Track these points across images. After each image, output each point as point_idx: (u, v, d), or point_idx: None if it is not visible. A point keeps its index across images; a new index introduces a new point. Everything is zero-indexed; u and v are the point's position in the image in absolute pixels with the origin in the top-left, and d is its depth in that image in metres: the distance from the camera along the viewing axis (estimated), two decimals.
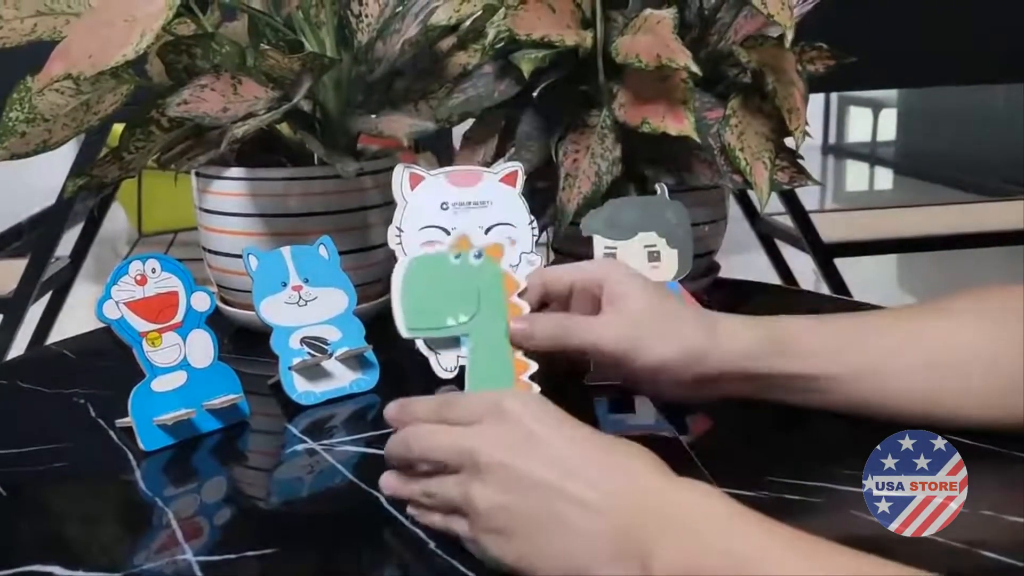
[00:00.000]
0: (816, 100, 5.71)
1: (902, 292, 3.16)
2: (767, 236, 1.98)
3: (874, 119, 6.13)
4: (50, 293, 1.86)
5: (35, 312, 1.88)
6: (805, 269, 2.05)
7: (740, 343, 0.56)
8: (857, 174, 6.12)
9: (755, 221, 1.96)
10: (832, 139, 6.40)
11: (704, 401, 0.60)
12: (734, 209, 1.17)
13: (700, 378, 0.56)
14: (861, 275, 2.04)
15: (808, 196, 1.77)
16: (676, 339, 0.56)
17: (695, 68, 0.67)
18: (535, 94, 0.75)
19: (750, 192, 0.77)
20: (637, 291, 0.57)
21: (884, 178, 5.88)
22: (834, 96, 5.97)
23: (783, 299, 1.02)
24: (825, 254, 1.79)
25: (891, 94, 5.75)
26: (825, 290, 1.83)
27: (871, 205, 2.74)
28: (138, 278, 0.60)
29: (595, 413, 0.63)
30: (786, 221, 1.84)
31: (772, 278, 1.97)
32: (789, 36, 0.68)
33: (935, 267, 3.06)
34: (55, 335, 1.88)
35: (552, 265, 0.62)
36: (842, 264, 1.82)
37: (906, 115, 5.83)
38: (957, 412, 0.55)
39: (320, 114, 0.81)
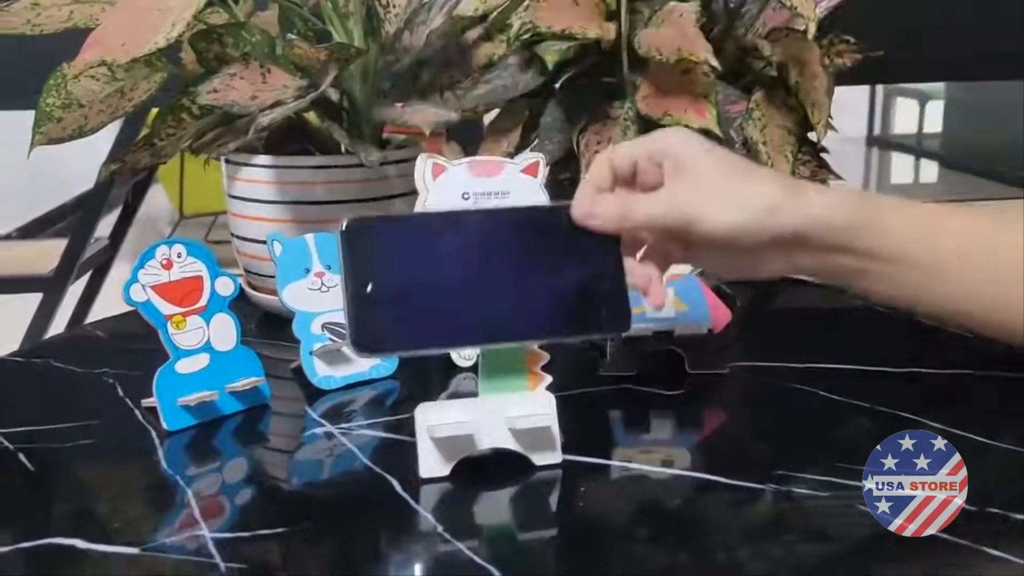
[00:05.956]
0: (861, 91, 5.64)
1: None
2: None
3: (920, 110, 6.03)
4: (89, 273, 1.90)
5: (77, 291, 1.92)
6: None
7: (819, 203, 0.52)
8: (902, 166, 6.03)
9: None
10: (877, 130, 6.31)
11: (770, 276, 0.56)
12: None
13: (773, 240, 0.52)
14: None
15: None
16: (746, 198, 0.52)
17: (715, 62, 0.67)
18: (558, 85, 0.75)
19: None
20: (700, 154, 0.53)
21: (929, 171, 5.78)
22: (879, 86, 5.87)
23: (808, 293, 1.01)
24: None
25: (938, 85, 5.64)
26: None
27: (916, 199, 2.69)
28: (164, 262, 0.62)
29: (607, 409, 0.64)
30: None
31: None
32: (812, 28, 0.68)
33: None
34: (95, 314, 1.92)
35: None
36: None
37: (953, 107, 5.73)
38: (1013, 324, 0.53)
39: (347, 103, 0.82)
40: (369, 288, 0.50)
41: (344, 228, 0.51)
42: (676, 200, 0.53)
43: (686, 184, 0.53)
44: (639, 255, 0.56)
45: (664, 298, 0.55)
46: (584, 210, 0.54)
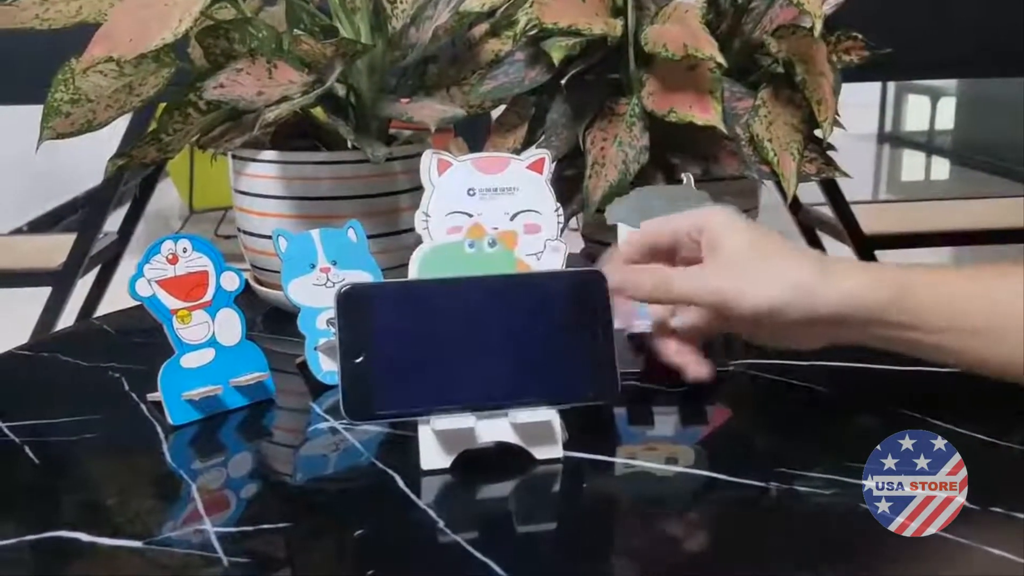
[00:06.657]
0: (873, 88, 5.61)
1: None
2: (808, 226, 1.96)
3: (932, 107, 6.00)
4: (98, 267, 1.91)
5: (87, 285, 1.93)
6: None
7: (853, 284, 0.54)
8: (913, 164, 6.00)
9: (796, 211, 1.94)
10: (888, 127, 6.28)
11: (816, 347, 0.58)
12: (777, 199, 1.16)
13: (810, 319, 0.54)
14: None
15: (861, 186, 1.75)
16: (781, 277, 0.54)
17: (721, 59, 0.67)
18: (564, 81, 0.75)
19: None
20: (736, 233, 0.55)
21: (941, 168, 5.75)
22: (891, 83, 5.85)
23: None
24: (865, 246, 1.76)
25: (950, 82, 5.61)
26: None
27: (926, 196, 2.68)
28: (170, 257, 0.62)
29: (610, 405, 0.64)
30: (828, 211, 1.82)
31: None
32: (819, 26, 0.68)
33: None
34: (104, 308, 1.93)
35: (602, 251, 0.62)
36: (897, 256, 1.80)
37: (964, 104, 5.69)
38: None
39: (353, 99, 0.82)
40: (360, 359, 0.52)
41: (340, 294, 0.53)
42: (711, 278, 0.55)
43: (722, 263, 0.55)
44: (677, 323, 0.59)
45: (707, 370, 0.58)
46: (625, 282, 0.57)
